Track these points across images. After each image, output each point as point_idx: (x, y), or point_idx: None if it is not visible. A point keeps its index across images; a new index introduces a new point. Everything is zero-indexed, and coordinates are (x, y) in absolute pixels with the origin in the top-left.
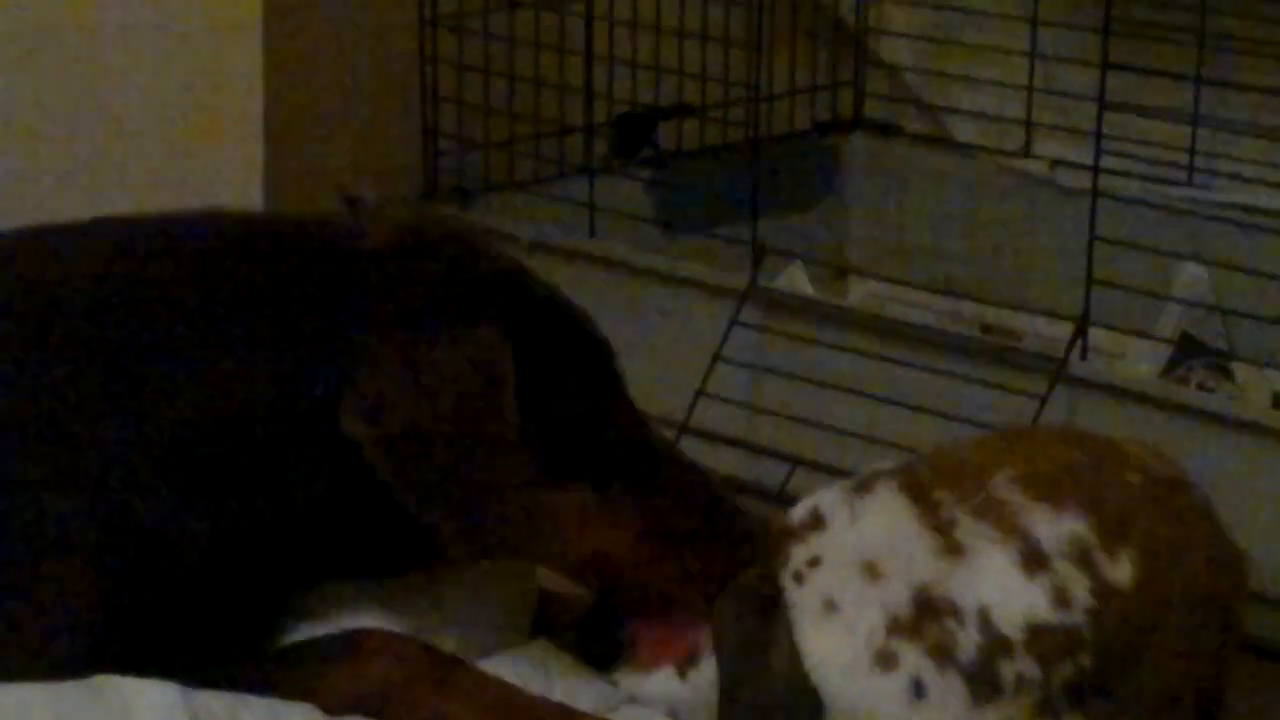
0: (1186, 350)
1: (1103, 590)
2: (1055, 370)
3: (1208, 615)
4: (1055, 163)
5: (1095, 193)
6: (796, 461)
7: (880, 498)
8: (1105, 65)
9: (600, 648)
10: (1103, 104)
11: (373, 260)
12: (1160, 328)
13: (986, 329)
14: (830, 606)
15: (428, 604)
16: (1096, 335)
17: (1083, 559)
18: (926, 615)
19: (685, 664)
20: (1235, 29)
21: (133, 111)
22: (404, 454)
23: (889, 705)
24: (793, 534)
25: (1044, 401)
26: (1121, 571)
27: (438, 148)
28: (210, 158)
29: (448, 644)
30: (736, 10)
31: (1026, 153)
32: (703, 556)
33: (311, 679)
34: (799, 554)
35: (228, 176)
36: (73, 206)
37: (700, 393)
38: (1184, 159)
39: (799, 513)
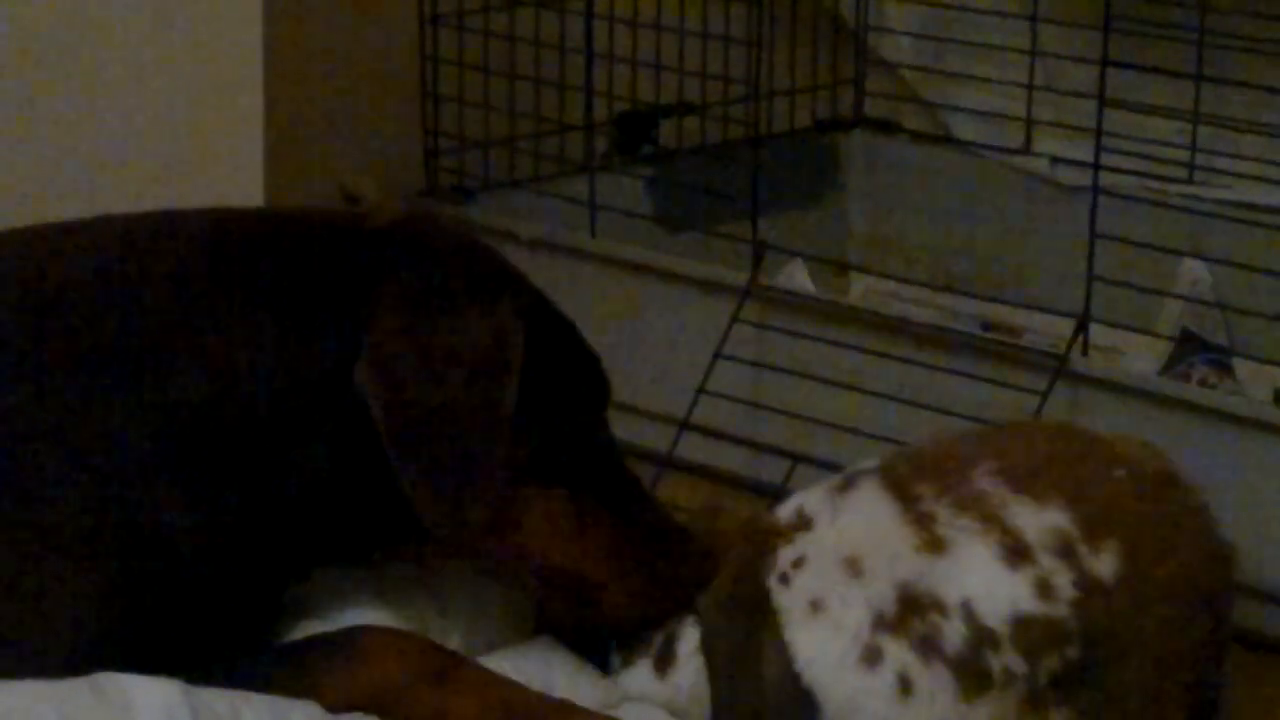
0: (1187, 346)
1: (1086, 582)
2: (1056, 367)
3: (1195, 609)
4: (1056, 160)
5: (1096, 190)
6: (797, 458)
7: (862, 495)
8: (1105, 62)
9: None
10: (1103, 101)
11: (382, 236)
12: (1161, 324)
13: (987, 326)
14: (816, 606)
15: (430, 600)
16: (1097, 332)
17: (1065, 551)
18: (911, 610)
19: (664, 662)
20: (1236, 26)
21: (133, 111)
22: (407, 414)
23: (878, 702)
24: (779, 534)
25: (1045, 398)
26: (1104, 564)
27: (438, 146)
28: (210, 158)
29: (450, 640)
30: (737, 8)
31: (1027, 150)
32: (668, 573)
33: (313, 676)
34: (785, 555)
35: (228, 176)
36: (73, 206)
37: (701, 390)
38: (1184, 156)
39: (784, 513)
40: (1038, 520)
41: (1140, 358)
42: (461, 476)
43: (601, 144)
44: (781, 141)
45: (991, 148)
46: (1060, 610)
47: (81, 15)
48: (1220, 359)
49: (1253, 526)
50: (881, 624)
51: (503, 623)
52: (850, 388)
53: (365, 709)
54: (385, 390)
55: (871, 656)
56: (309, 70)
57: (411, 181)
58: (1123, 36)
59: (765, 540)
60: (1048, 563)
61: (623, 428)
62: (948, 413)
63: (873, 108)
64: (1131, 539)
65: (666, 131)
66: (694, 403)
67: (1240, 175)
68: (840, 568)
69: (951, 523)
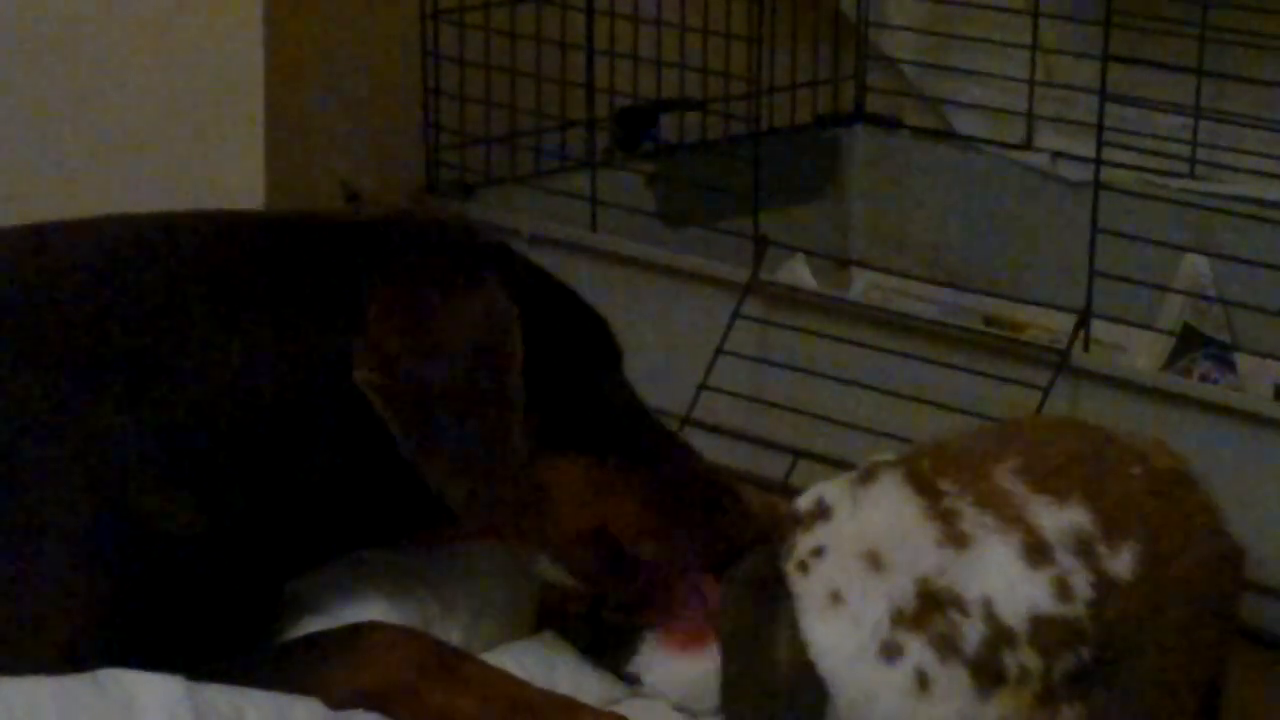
0: (1189, 342)
1: (1103, 582)
2: (1058, 362)
3: (1207, 608)
4: (1057, 155)
5: (1097, 185)
6: (799, 454)
7: (884, 488)
8: (1107, 57)
9: (615, 636)
10: (1104, 96)
11: (375, 227)
12: (1162, 320)
13: (989, 321)
14: (835, 598)
15: (432, 597)
16: (1099, 327)
17: (1084, 551)
18: (930, 606)
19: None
20: (1237, 21)
21: (133, 111)
22: (412, 405)
23: (893, 696)
24: (798, 522)
25: (1046, 393)
26: (1121, 564)
27: (439, 142)
28: (210, 158)
29: (453, 637)
30: (738, 3)
31: (1029, 145)
32: (703, 531)
33: (316, 673)
34: (804, 543)
35: (228, 176)
36: (73, 206)
37: (703, 386)
38: (1186, 151)
39: (804, 502)
40: (1058, 519)
41: (1142, 353)
42: (481, 457)
43: (603, 140)
44: (783, 137)
45: (993, 143)
46: (1077, 610)
47: (81, 16)
48: (1222, 354)
49: (1254, 522)
50: (901, 619)
51: (505, 619)
52: (851, 383)
53: (368, 706)
54: (386, 384)
55: (890, 651)
56: (310, 67)
57: (413, 178)
58: (1124, 31)
59: (785, 526)
60: (1067, 562)
61: None
62: (949, 408)
63: (874, 103)
64: (1148, 538)
65: (668, 127)
66: (695, 398)
67: (1242, 170)
68: (861, 560)
69: (974, 519)
